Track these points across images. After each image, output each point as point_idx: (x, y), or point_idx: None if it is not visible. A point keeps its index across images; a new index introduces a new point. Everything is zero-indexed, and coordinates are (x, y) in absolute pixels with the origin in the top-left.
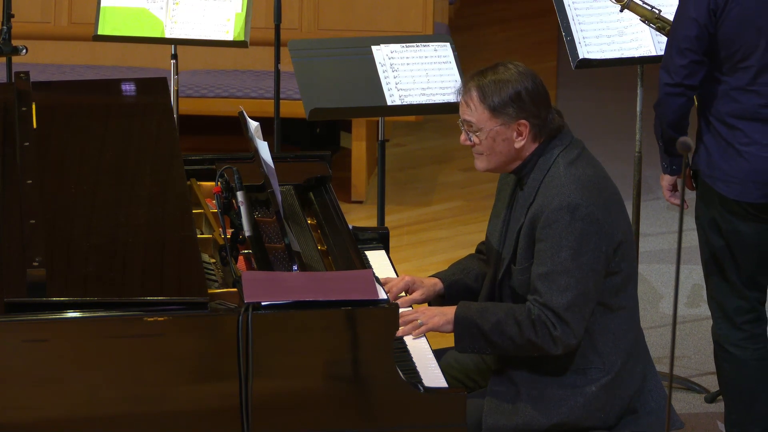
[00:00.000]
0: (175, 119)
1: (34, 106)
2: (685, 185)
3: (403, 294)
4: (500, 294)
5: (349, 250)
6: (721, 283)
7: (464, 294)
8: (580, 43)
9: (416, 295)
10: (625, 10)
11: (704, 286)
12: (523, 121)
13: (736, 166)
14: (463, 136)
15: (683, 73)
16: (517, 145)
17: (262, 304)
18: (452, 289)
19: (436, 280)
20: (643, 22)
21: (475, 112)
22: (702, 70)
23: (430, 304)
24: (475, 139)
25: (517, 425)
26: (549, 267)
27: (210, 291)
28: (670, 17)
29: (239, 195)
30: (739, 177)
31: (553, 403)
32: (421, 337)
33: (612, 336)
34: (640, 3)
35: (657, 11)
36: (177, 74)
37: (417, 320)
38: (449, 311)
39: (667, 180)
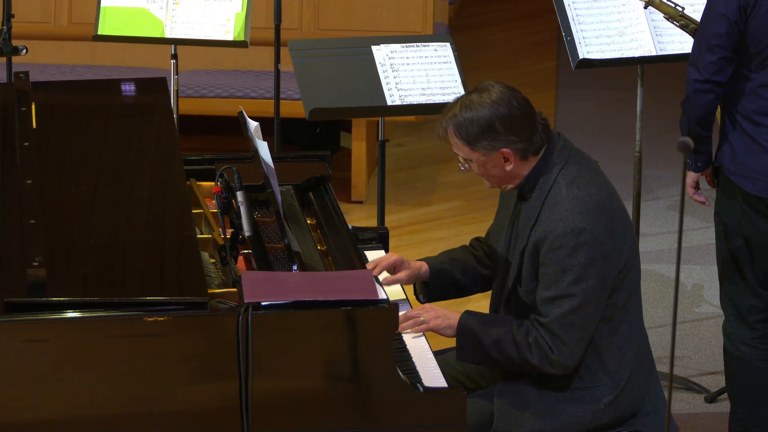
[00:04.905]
0: (175, 119)
1: (33, 106)
2: (686, 186)
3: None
4: (507, 310)
5: (348, 250)
6: (736, 281)
7: (449, 285)
8: (580, 43)
9: (401, 275)
10: (650, 7)
11: (704, 286)
12: (503, 149)
13: (761, 162)
14: (459, 164)
15: (712, 69)
16: (508, 168)
17: (262, 304)
18: (438, 277)
19: (422, 263)
20: (667, 19)
21: (457, 147)
22: (731, 66)
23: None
24: (468, 167)
25: None
26: (553, 292)
27: (210, 291)
28: (693, 15)
29: (239, 195)
30: (764, 173)
31: (560, 418)
32: (420, 336)
33: (618, 352)
34: (665, 0)
35: (681, 8)
36: (177, 74)
37: (419, 317)
38: (453, 316)
39: (691, 177)
